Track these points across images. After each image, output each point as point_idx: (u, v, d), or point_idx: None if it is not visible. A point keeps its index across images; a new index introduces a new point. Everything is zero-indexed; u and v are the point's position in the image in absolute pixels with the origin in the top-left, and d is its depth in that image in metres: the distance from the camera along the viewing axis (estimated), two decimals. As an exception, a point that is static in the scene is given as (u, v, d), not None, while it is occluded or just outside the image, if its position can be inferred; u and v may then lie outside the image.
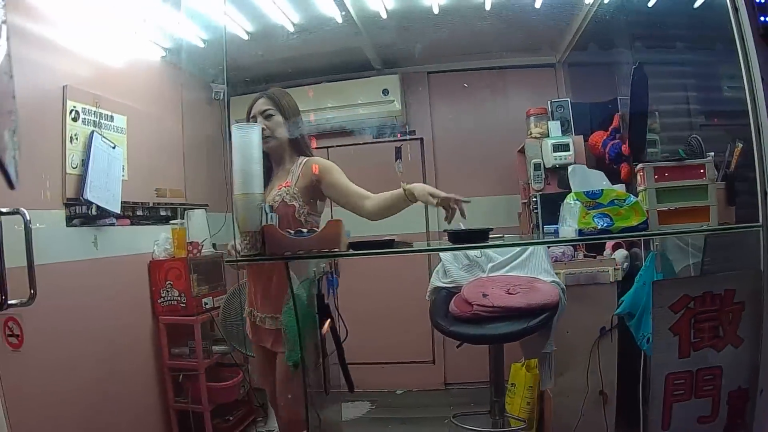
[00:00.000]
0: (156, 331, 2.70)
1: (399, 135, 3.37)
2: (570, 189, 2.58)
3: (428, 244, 2.86)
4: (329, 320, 1.83)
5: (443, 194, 1.67)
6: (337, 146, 3.26)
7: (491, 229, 1.69)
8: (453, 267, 2.41)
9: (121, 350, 2.49)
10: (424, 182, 3.36)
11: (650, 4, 2.58)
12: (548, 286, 2.24)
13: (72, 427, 2.19)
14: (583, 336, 2.55)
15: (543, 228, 2.49)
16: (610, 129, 2.57)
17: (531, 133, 2.90)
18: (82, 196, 2.38)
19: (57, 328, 2.13)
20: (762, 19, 1.58)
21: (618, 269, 2.54)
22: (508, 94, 3.31)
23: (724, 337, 1.66)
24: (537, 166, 2.82)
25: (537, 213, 2.71)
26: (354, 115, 3.24)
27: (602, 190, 1.64)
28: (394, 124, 3.35)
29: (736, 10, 1.65)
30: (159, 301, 2.70)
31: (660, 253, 1.94)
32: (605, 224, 1.60)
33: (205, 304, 2.82)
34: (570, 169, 1.66)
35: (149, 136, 2.85)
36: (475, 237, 1.70)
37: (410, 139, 3.40)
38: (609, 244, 2.62)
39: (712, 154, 1.76)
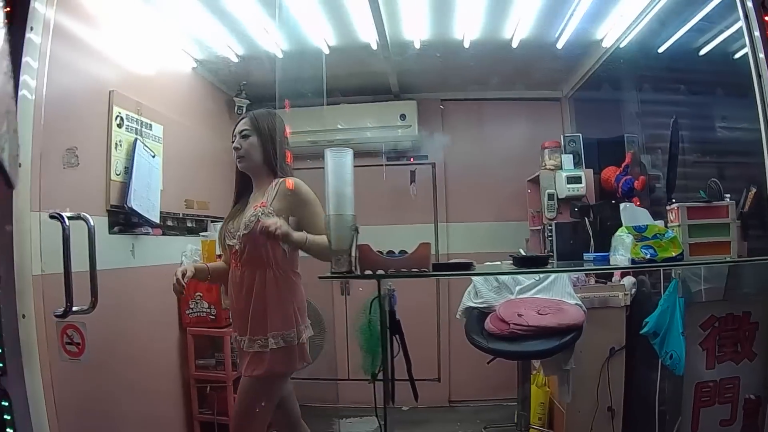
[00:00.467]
0: (182, 342, 2.85)
1: (412, 159, 3.69)
2: (580, 220, 3.01)
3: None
4: (399, 335, 2.09)
5: None
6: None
7: (551, 256, 2.02)
8: (484, 288, 2.73)
9: (148, 360, 2.61)
10: (435, 206, 3.71)
11: (660, 50, 3.07)
12: (574, 308, 2.60)
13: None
14: (594, 355, 2.93)
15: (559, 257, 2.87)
16: (623, 165, 3.01)
17: (545, 165, 3.31)
18: (127, 204, 2.49)
19: (96, 336, 2.16)
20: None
21: (627, 294, 2.95)
22: (516, 125, 3.72)
23: (741, 351, 2.09)
24: (551, 196, 3.21)
25: (552, 240, 3.08)
26: (372, 138, 3.52)
27: (647, 225, 2.02)
28: (410, 148, 3.68)
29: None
30: (187, 312, 2.84)
31: (682, 279, 2.35)
32: (650, 254, 1.97)
33: (232, 317, 2.99)
34: (621, 206, 2.03)
35: (180, 147, 2.99)
36: (536, 262, 2.04)
37: (423, 164, 3.73)
38: (618, 272, 3.03)
39: (729, 196, 2.20)
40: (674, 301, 2.31)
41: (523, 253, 2.06)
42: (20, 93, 1.79)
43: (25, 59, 1.80)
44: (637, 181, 2.91)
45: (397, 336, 2.08)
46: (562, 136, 3.35)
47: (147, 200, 2.63)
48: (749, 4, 1.97)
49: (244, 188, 2.21)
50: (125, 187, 2.52)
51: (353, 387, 3.74)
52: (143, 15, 2.72)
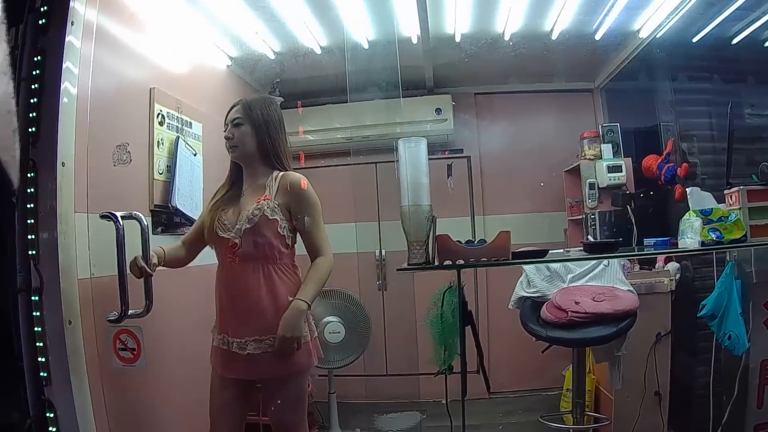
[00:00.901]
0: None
1: (447, 152, 3.79)
2: (622, 208, 3.13)
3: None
4: (471, 325, 2.18)
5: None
6: (388, 162, 3.63)
7: (620, 241, 2.13)
8: (536, 278, 2.84)
9: (193, 362, 2.64)
10: (471, 199, 3.81)
11: (695, 40, 3.20)
12: (628, 294, 2.71)
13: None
14: (641, 341, 3.04)
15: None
16: (664, 153, 3.13)
17: (585, 155, 3.43)
18: (171, 203, 2.50)
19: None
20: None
21: (672, 280, 3.07)
22: (548, 117, 3.84)
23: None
24: (591, 186, 3.33)
25: (594, 229, 3.21)
26: (406, 133, 3.61)
27: (712, 208, 2.14)
28: (446, 142, 3.79)
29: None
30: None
31: (737, 262, 2.48)
32: (717, 237, 2.09)
33: (275, 316, 3.06)
34: (688, 190, 2.15)
35: (215, 145, 3.05)
36: (607, 248, 2.14)
37: (458, 157, 3.83)
38: (661, 257, 3.16)
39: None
40: (731, 283, 2.44)
41: (592, 240, 2.15)
42: (62, 90, 1.79)
43: (66, 64, 1.81)
44: (680, 168, 3.03)
45: (469, 327, 2.17)
46: (600, 126, 3.48)
47: (190, 199, 2.65)
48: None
49: (237, 177, 2.10)
50: (168, 187, 2.51)
51: (392, 382, 3.84)
52: (181, 11, 2.75)
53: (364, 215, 3.80)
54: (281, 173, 2.00)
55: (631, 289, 2.80)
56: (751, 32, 3.19)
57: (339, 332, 3.11)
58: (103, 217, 1.85)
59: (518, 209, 3.78)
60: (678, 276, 3.11)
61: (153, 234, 2.43)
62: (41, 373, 1.71)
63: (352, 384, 3.68)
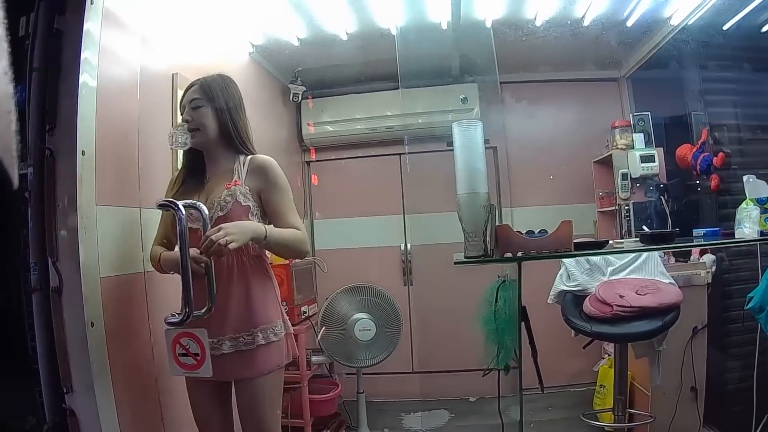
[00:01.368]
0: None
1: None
2: (653, 198, 3.14)
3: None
4: (525, 321, 2.17)
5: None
6: (415, 153, 3.63)
7: (677, 231, 2.14)
8: (576, 271, 2.85)
9: None
10: (498, 190, 3.82)
11: (725, 28, 3.23)
12: (671, 287, 2.74)
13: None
14: (678, 334, 3.07)
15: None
16: (699, 143, 3.16)
17: (617, 145, 3.44)
18: None
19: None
20: None
21: (708, 272, 3.10)
22: (574, 106, 3.86)
23: None
24: (624, 176, 3.35)
25: (629, 220, 3.22)
26: (435, 123, 3.60)
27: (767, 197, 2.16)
28: (471, 132, 3.78)
29: None
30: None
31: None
32: (775, 226, 2.12)
33: (304, 312, 3.05)
34: (745, 178, 2.16)
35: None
36: (664, 238, 2.15)
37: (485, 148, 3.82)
38: (696, 250, 3.19)
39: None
40: (779, 274, 2.47)
41: (648, 231, 2.16)
42: (80, 73, 1.71)
43: (84, 46, 1.73)
44: (716, 158, 3.06)
45: (524, 323, 2.16)
46: (631, 115, 3.49)
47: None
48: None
49: (194, 165, 1.97)
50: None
51: (418, 380, 3.84)
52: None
53: (388, 208, 3.80)
54: (248, 156, 1.91)
55: (673, 281, 2.83)
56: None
57: (369, 329, 3.09)
58: (161, 206, 1.71)
59: (546, 201, 3.79)
60: (714, 268, 3.14)
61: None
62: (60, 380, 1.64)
63: (378, 382, 3.68)
